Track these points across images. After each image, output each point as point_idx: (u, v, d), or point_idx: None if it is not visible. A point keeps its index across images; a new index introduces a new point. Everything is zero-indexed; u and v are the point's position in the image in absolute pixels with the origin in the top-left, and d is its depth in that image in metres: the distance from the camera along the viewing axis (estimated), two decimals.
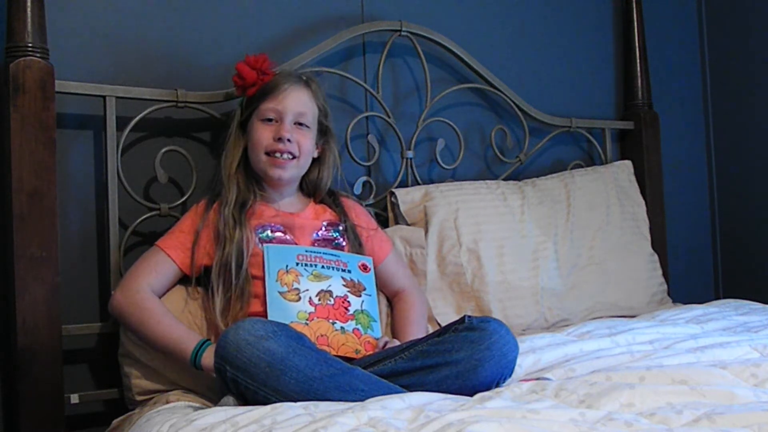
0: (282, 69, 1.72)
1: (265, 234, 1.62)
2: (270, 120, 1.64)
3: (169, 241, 1.61)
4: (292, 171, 1.66)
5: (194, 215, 1.64)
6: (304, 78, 1.71)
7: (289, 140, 1.62)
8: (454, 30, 2.24)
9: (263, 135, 1.64)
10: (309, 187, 1.76)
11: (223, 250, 1.57)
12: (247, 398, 1.28)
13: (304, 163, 1.69)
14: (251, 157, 1.67)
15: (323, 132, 1.73)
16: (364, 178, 2.06)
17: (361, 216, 1.79)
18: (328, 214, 1.73)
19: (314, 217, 1.71)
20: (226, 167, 1.67)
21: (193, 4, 1.92)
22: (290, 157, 1.64)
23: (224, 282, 1.56)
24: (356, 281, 1.62)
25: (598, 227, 2.25)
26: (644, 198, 2.42)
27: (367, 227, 1.77)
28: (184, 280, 1.67)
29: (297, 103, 1.65)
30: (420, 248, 1.95)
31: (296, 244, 1.63)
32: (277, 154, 1.63)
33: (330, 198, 1.77)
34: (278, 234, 1.63)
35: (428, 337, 1.47)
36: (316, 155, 1.74)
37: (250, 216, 1.63)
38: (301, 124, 1.66)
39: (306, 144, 1.67)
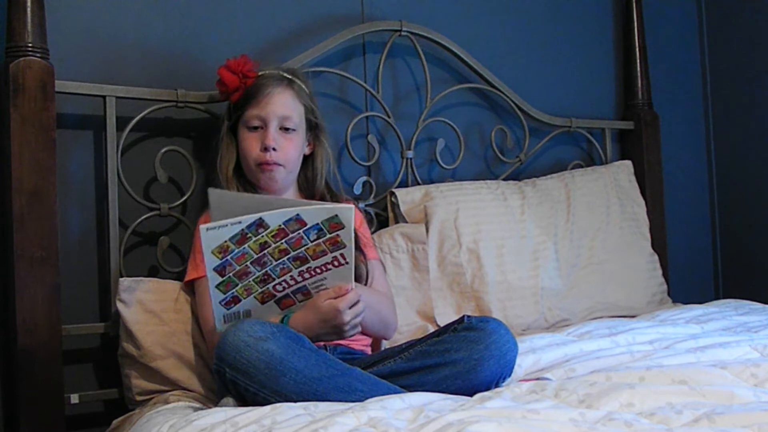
0: (264, 67, 1.69)
1: None
2: (255, 128, 1.63)
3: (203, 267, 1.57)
4: (281, 177, 1.65)
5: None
6: (287, 77, 1.67)
7: (274, 149, 1.61)
8: (454, 30, 2.24)
9: (251, 145, 1.62)
10: (306, 186, 1.75)
11: None
12: (246, 400, 1.28)
13: (293, 168, 1.68)
14: (243, 165, 1.67)
15: (312, 128, 1.71)
16: (364, 178, 2.06)
17: (360, 225, 1.76)
18: None
19: None
20: (222, 172, 1.65)
21: (193, 5, 1.92)
22: (276, 164, 1.63)
23: None
24: None
25: (598, 227, 2.25)
26: (644, 198, 2.42)
27: (363, 236, 1.74)
28: (178, 275, 1.68)
29: (280, 107, 1.63)
30: (422, 244, 1.95)
31: None
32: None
33: (329, 196, 1.75)
34: None
35: (427, 337, 1.46)
36: (307, 152, 1.73)
37: None
38: (287, 129, 1.63)
39: (291, 150, 1.64)
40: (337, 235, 1.34)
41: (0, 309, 1.63)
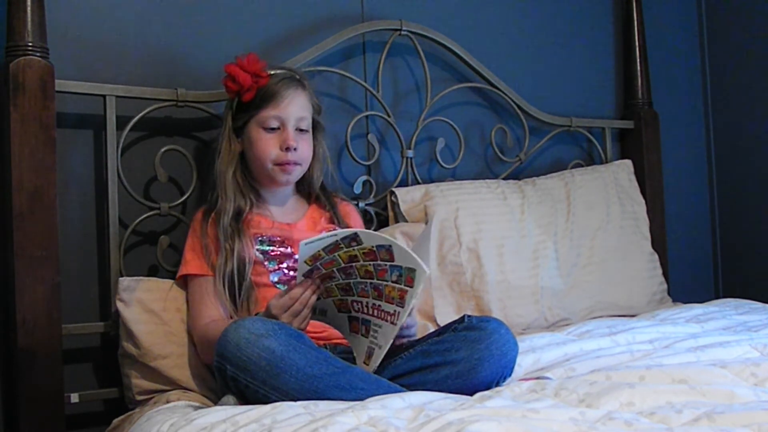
0: (271, 67, 1.69)
1: (263, 245, 1.61)
2: (272, 129, 1.63)
3: (195, 263, 1.60)
4: (296, 175, 1.68)
5: (197, 227, 1.64)
6: (298, 77, 1.69)
7: (295, 149, 1.62)
8: (454, 29, 2.24)
9: (269, 145, 1.62)
10: (304, 185, 1.76)
11: (225, 261, 1.56)
12: (247, 397, 1.28)
13: (306, 167, 1.70)
14: (254, 166, 1.66)
15: (314, 127, 1.72)
16: (364, 177, 2.06)
17: (357, 226, 1.77)
18: (324, 220, 1.72)
19: (311, 227, 1.69)
20: (222, 173, 1.65)
21: (193, 4, 1.92)
22: (296, 163, 1.64)
23: (229, 292, 1.56)
24: None
25: (598, 227, 2.25)
26: (644, 198, 2.42)
27: None
28: (171, 275, 1.69)
29: (298, 108, 1.64)
30: None
31: (294, 254, 1.62)
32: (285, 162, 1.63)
33: (324, 196, 1.76)
34: (277, 245, 1.62)
35: (428, 336, 1.46)
36: None
37: (247, 225, 1.62)
38: (301, 129, 1.65)
39: (306, 150, 1.67)
40: (407, 290, 1.30)
41: (0, 308, 1.63)
